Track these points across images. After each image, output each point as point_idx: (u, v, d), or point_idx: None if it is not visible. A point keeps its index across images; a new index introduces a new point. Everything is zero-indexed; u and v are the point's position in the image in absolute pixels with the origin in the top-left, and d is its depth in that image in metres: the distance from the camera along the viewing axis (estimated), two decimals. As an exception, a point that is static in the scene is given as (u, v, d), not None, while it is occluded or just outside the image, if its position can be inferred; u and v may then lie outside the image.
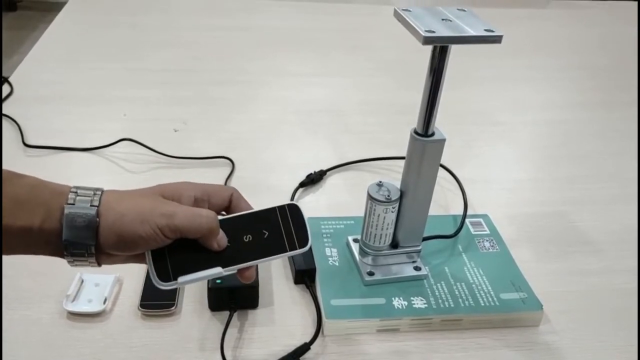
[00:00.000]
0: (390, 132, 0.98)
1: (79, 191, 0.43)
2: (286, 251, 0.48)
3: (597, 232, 0.78)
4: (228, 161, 0.88)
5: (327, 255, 0.68)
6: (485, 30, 0.51)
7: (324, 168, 0.87)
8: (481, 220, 0.76)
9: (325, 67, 1.25)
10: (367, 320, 0.61)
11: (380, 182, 0.62)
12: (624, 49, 1.44)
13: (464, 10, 0.55)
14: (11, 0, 3.40)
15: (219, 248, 0.46)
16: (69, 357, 0.56)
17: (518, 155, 0.97)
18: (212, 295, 0.61)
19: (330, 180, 0.86)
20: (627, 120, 1.09)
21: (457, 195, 0.82)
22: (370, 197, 0.61)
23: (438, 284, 0.65)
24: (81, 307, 0.61)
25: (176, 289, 0.63)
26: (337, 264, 0.68)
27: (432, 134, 0.57)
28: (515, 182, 0.89)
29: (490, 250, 0.71)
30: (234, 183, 0.83)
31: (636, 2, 1.72)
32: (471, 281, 0.66)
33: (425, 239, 0.67)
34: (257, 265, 0.49)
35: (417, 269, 0.66)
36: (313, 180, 0.84)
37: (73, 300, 0.61)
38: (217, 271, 0.46)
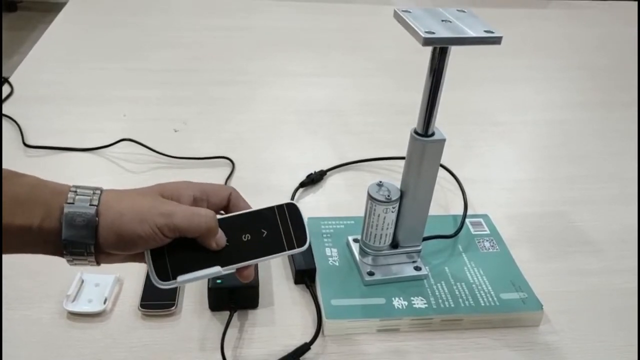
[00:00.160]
0: (390, 132, 0.98)
1: (78, 190, 0.43)
2: (285, 250, 0.49)
3: (597, 232, 0.78)
4: (228, 161, 0.88)
5: (327, 255, 0.68)
6: (485, 31, 0.51)
7: (324, 168, 0.87)
8: (481, 220, 0.76)
9: (325, 67, 1.25)
10: (367, 320, 0.61)
11: (381, 182, 0.62)
12: (624, 49, 1.44)
13: (464, 12, 0.55)
14: (11, 1, 3.40)
15: (217, 247, 0.47)
16: (69, 357, 0.56)
17: (518, 155, 0.97)
18: (212, 295, 0.61)
19: (331, 180, 0.86)
20: (627, 120, 1.09)
21: (457, 195, 0.82)
22: (370, 197, 0.61)
23: (438, 284, 0.65)
24: (81, 307, 0.61)
25: (176, 288, 0.63)
26: (337, 264, 0.68)
27: (432, 134, 0.58)
28: (515, 182, 0.89)
29: (491, 250, 0.71)
30: (234, 183, 0.83)
31: (636, 2, 1.72)
32: (471, 281, 0.66)
33: (425, 239, 0.67)
34: (256, 265, 0.49)
35: (417, 269, 0.66)
36: (313, 180, 0.84)
37: (73, 300, 0.61)
38: (216, 270, 0.46)
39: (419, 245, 0.66)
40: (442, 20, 0.52)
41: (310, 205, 0.80)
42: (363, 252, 0.66)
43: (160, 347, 0.58)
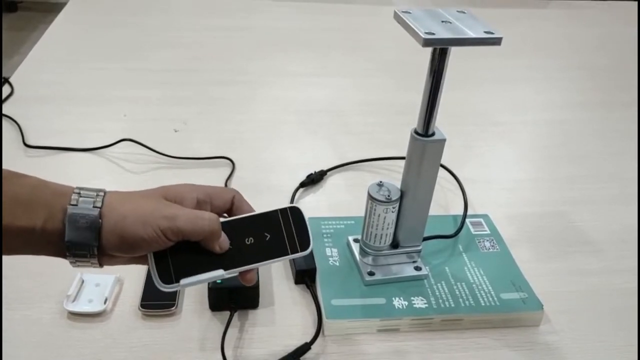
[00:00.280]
0: (390, 132, 0.98)
1: (81, 192, 0.43)
2: (288, 254, 0.48)
3: (597, 232, 0.78)
4: (228, 161, 0.88)
5: (328, 255, 0.69)
6: (485, 32, 0.51)
7: (324, 168, 0.87)
8: (481, 220, 0.76)
9: (325, 67, 1.25)
10: (367, 320, 0.61)
11: (381, 182, 0.62)
12: (624, 49, 1.44)
13: (464, 12, 0.55)
14: (12, 1, 3.40)
15: (220, 250, 0.47)
16: (69, 357, 0.56)
17: (518, 155, 0.98)
18: (212, 295, 0.61)
19: (331, 181, 0.86)
20: (627, 120, 1.09)
21: (458, 195, 0.82)
22: (370, 197, 0.61)
23: (438, 284, 0.65)
24: (82, 307, 0.61)
25: (177, 289, 0.63)
26: (337, 264, 0.68)
27: (433, 134, 0.58)
28: (515, 182, 0.89)
29: (491, 250, 0.71)
30: (234, 183, 0.83)
31: (636, 2, 1.72)
32: (471, 281, 0.66)
33: (425, 239, 0.67)
34: (258, 268, 0.49)
35: (417, 268, 0.66)
36: (313, 180, 0.84)
37: (73, 300, 0.61)
38: (219, 273, 0.46)
39: (419, 245, 0.66)
40: (442, 21, 0.52)
41: (311, 205, 0.80)
42: (363, 252, 0.66)
43: (160, 347, 0.58)
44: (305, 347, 0.58)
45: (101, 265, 0.44)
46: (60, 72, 1.13)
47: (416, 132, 0.58)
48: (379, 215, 0.61)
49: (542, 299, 0.64)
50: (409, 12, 0.53)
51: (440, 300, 0.63)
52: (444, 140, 0.58)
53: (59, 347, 0.57)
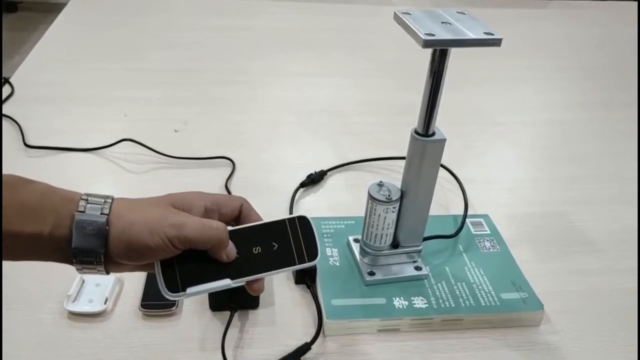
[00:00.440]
0: (390, 132, 0.98)
1: (89, 199, 0.43)
2: (295, 264, 0.48)
3: (597, 232, 0.78)
4: (228, 161, 0.88)
5: (328, 255, 0.69)
6: (485, 33, 0.51)
7: (325, 168, 0.87)
8: (482, 220, 0.76)
9: (325, 67, 1.25)
10: (367, 320, 0.61)
11: (381, 182, 0.62)
12: (624, 49, 1.44)
13: (464, 13, 0.55)
14: (12, 1, 3.40)
15: (228, 259, 0.46)
16: (69, 357, 0.56)
17: (518, 155, 0.98)
18: (212, 295, 0.61)
19: (331, 181, 0.86)
20: (627, 120, 1.09)
21: (458, 195, 0.82)
22: (370, 197, 0.61)
23: (439, 284, 0.65)
24: (82, 307, 0.61)
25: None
26: (337, 264, 0.68)
27: (433, 134, 0.58)
28: (515, 182, 0.89)
29: (491, 250, 0.71)
30: (234, 183, 0.83)
31: (636, 2, 1.72)
32: (472, 281, 0.66)
33: (425, 238, 0.67)
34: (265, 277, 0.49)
35: (417, 268, 0.66)
36: (313, 180, 0.84)
37: (74, 300, 0.61)
38: (225, 283, 0.46)
39: (419, 245, 0.66)
40: (442, 22, 0.52)
41: (311, 206, 0.80)
42: (363, 252, 0.66)
43: (160, 347, 0.58)
44: (305, 347, 0.58)
45: (107, 272, 0.44)
46: (61, 73, 1.13)
47: (416, 132, 0.58)
48: (379, 215, 0.61)
49: (543, 299, 0.64)
50: (409, 13, 0.53)
51: (441, 300, 0.63)
52: (444, 140, 0.58)
53: (59, 347, 0.57)
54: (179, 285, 0.45)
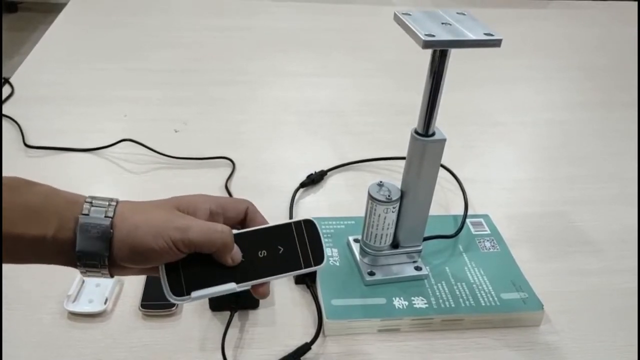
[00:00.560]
0: (390, 132, 0.98)
1: (94, 201, 0.43)
2: (301, 268, 0.48)
3: (597, 232, 0.78)
4: (228, 161, 0.88)
5: (328, 256, 0.68)
6: (485, 34, 0.51)
7: (325, 168, 0.87)
8: (482, 220, 0.76)
9: (325, 67, 1.25)
10: (367, 320, 0.61)
11: (381, 182, 0.62)
12: (624, 49, 1.44)
13: (464, 14, 0.55)
14: (12, 2, 3.40)
15: (233, 263, 0.46)
16: (69, 358, 0.56)
17: (518, 155, 0.98)
18: (205, 298, 0.61)
19: (331, 181, 0.86)
20: (626, 121, 1.09)
21: (458, 195, 0.82)
22: (370, 197, 0.61)
23: (439, 284, 0.65)
24: (82, 307, 0.61)
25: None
26: (337, 264, 0.68)
27: (433, 134, 0.58)
28: (515, 182, 0.89)
29: (491, 250, 0.71)
30: (234, 183, 0.84)
31: (636, 2, 1.72)
32: (472, 281, 0.66)
33: (425, 239, 0.67)
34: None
35: (417, 269, 0.66)
36: (313, 180, 0.84)
37: (74, 300, 0.61)
38: (230, 287, 0.46)
39: (419, 245, 0.66)
40: (442, 23, 0.52)
41: (311, 206, 0.80)
42: (363, 252, 0.66)
43: (160, 347, 0.58)
44: (305, 347, 0.58)
45: (112, 275, 0.44)
46: (61, 73, 1.13)
47: (416, 132, 0.58)
48: (379, 216, 0.61)
49: (543, 299, 0.64)
50: (409, 14, 0.53)
51: (441, 300, 0.63)
52: (444, 140, 0.58)
53: (59, 347, 0.57)
54: (183, 289, 0.45)
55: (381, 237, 0.64)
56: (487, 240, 0.73)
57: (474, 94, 1.16)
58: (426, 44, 0.49)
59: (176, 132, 0.96)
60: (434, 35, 0.49)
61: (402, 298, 0.63)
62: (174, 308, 0.61)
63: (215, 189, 0.81)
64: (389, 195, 0.60)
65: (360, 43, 1.38)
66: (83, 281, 0.63)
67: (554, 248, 0.75)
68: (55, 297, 0.62)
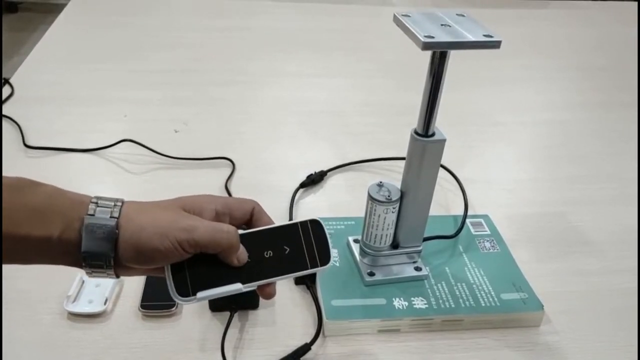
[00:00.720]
0: (390, 133, 0.98)
1: (99, 202, 0.42)
2: (307, 268, 0.47)
3: (597, 233, 0.78)
4: (228, 162, 0.88)
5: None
6: (484, 35, 0.51)
7: (325, 169, 0.87)
8: (482, 220, 0.76)
9: (325, 68, 1.25)
10: (367, 320, 0.61)
11: (381, 182, 0.62)
12: (623, 49, 1.44)
13: (463, 16, 0.55)
14: (12, 2, 3.40)
15: (239, 264, 0.46)
16: (69, 358, 0.56)
17: (518, 155, 0.98)
18: (210, 299, 0.61)
19: (331, 181, 0.86)
20: (626, 121, 1.09)
21: (458, 195, 0.82)
22: (370, 198, 0.61)
23: (439, 285, 0.65)
24: (82, 307, 0.61)
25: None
26: (337, 264, 0.68)
27: (433, 134, 0.58)
28: (515, 182, 0.89)
29: (491, 250, 0.71)
30: (234, 184, 0.84)
31: (636, 2, 1.72)
32: (472, 281, 0.66)
33: (425, 239, 0.67)
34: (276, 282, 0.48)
35: (417, 269, 0.66)
36: (313, 180, 0.84)
37: (74, 300, 0.61)
38: (236, 287, 0.45)
39: (419, 246, 0.66)
40: (442, 25, 0.52)
41: (311, 206, 0.80)
42: (363, 253, 0.66)
43: (160, 347, 0.58)
44: (305, 348, 0.58)
45: (117, 276, 0.44)
46: (61, 73, 1.13)
47: (416, 133, 0.58)
48: (379, 216, 0.61)
49: (543, 300, 0.64)
50: (409, 16, 0.53)
51: (441, 301, 0.63)
52: (444, 140, 0.58)
53: (59, 348, 0.57)
54: (189, 289, 0.44)
55: (381, 238, 0.64)
56: (487, 241, 0.73)
57: (474, 94, 1.16)
58: (425, 46, 0.49)
59: (176, 132, 0.96)
60: (433, 37, 0.49)
61: (402, 298, 0.63)
62: (173, 308, 0.61)
63: (215, 190, 0.81)
64: (388, 196, 0.60)
65: (360, 43, 1.38)
66: (83, 281, 0.63)
67: (554, 248, 0.75)
68: (55, 298, 0.62)
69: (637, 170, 0.93)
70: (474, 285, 0.66)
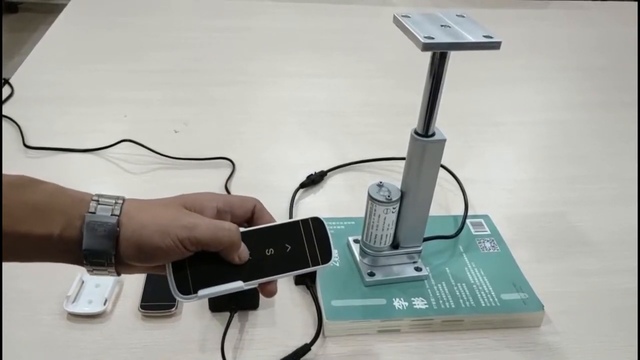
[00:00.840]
0: (390, 133, 0.98)
1: (100, 199, 0.42)
2: (309, 266, 0.47)
3: (597, 233, 0.78)
4: (228, 162, 0.88)
5: (328, 256, 0.68)
6: (484, 36, 0.51)
7: (325, 169, 0.87)
8: (482, 220, 0.76)
9: (325, 68, 1.25)
10: (367, 321, 0.61)
11: (381, 182, 0.62)
12: (623, 50, 1.44)
13: (463, 17, 0.55)
14: (12, 2, 3.40)
15: (240, 261, 0.46)
16: (69, 358, 0.56)
17: (518, 155, 0.97)
18: (212, 297, 0.61)
19: (331, 181, 0.86)
20: (626, 121, 1.09)
21: (458, 195, 0.82)
22: (370, 198, 0.61)
23: (439, 285, 0.65)
24: (81, 308, 0.61)
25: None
26: (337, 264, 0.68)
27: (433, 134, 0.58)
28: (515, 182, 0.89)
29: (491, 250, 0.71)
30: (234, 184, 0.83)
31: (636, 2, 1.72)
32: (472, 282, 0.66)
33: (425, 239, 0.67)
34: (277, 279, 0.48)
35: (417, 269, 0.66)
36: (313, 181, 0.84)
37: (73, 301, 0.61)
38: (238, 285, 0.45)
39: (419, 246, 0.66)
40: (442, 26, 0.52)
41: (311, 206, 0.80)
42: (363, 253, 0.66)
43: (160, 348, 0.58)
44: (305, 348, 0.58)
45: (118, 273, 0.44)
46: (61, 73, 1.13)
47: (416, 133, 0.58)
48: (379, 216, 0.61)
49: (543, 300, 0.64)
50: (409, 17, 0.53)
51: (441, 301, 0.63)
52: (444, 140, 0.58)
53: (59, 348, 0.57)
54: (190, 287, 0.44)
55: (381, 238, 0.64)
56: (487, 241, 0.73)
57: (474, 94, 1.16)
58: (425, 47, 0.49)
59: (176, 132, 0.96)
60: (433, 38, 0.49)
61: (402, 299, 0.63)
62: (173, 309, 0.61)
63: (215, 190, 0.81)
64: (388, 196, 0.60)
65: (360, 44, 1.38)
66: (82, 282, 0.63)
67: (554, 248, 0.75)
68: (54, 298, 0.62)
69: (637, 170, 0.93)
70: (474, 286, 0.66)
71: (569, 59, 1.37)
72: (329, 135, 0.98)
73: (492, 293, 0.65)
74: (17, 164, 0.83)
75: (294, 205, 0.79)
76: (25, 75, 1.11)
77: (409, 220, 0.63)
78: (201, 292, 0.45)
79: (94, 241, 0.41)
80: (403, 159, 0.60)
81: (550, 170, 0.93)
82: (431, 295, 0.64)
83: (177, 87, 1.11)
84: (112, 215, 0.42)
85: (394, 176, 0.87)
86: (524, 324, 0.63)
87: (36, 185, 0.43)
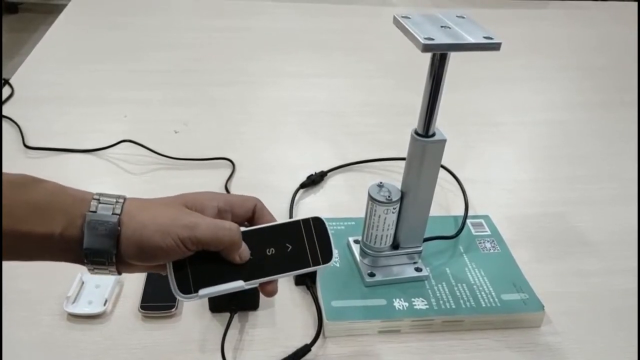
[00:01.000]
0: (390, 133, 0.98)
1: (101, 198, 0.42)
2: (309, 266, 0.47)
3: (597, 233, 0.78)
4: (228, 162, 0.88)
5: (328, 256, 0.68)
6: (484, 37, 0.51)
7: (325, 169, 0.87)
8: (482, 220, 0.76)
9: (325, 68, 1.25)
10: (368, 321, 0.61)
11: (381, 183, 0.62)
12: (623, 50, 1.44)
13: (463, 17, 0.55)
14: (12, 2, 3.40)
15: (241, 261, 0.46)
16: (69, 359, 0.56)
17: (518, 155, 0.97)
18: (212, 296, 0.61)
19: (331, 181, 0.86)
20: (626, 121, 1.09)
21: (458, 195, 0.82)
22: (370, 198, 0.61)
23: (439, 285, 0.65)
24: (81, 308, 0.61)
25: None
26: (337, 265, 0.68)
27: (433, 135, 0.58)
28: (515, 182, 0.89)
29: (491, 251, 0.71)
30: (234, 184, 0.83)
31: (636, 2, 1.72)
32: (472, 282, 0.66)
33: (426, 239, 0.67)
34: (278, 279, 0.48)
35: (418, 269, 0.66)
36: (314, 181, 0.84)
37: (73, 301, 0.61)
38: (238, 284, 0.45)
39: (419, 246, 0.66)
40: (442, 27, 0.52)
41: (311, 206, 0.80)
42: (364, 253, 0.66)
43: (160, 348, 0.58)
44: (305, 349, 0.58)
45: (119, 273, 0.44)
46: (61, 73, 1.13)
47: (416, 133, 0.58)
48: (379, 216, 0.61)
49: (543, 300, 0.64)
50: (409, 17, 0.53)
51: (441, 302, 0.63)
52: (445, 140, 0.58)
53: (59, 349, 0.57)
54: (191, 286, 0.44)
55: (381, 238, 0.63)
56: (488, 241, 0.73)
57: (474, 94, 1.16)
58: (425, 48, 0.49)
59: (176, 132, 0.96)
60: (433, 39, 0.49)
61: (402, 299, 0.63)
62: (173, 309, 0.61)
63: (215, 190, 0.80)
64: (389, 196, 0.60)
65: (360, 44, 1.38)
66: (82, 282, 0.63)
67: (554, 249, 0.75)
68: (54, 298, 0.62)
69: (637, 170, 0.93)
70: (475, 286, 0.65)
71: (569, 59, 1.37)
72: (329, 135, 0.98)
73: (493, 293, 0.65)
74: (17, 164, 0.83)
75: (294, 206, 0.79)
76: (25, 76, 1.11)
77: (409, 221, 0.63)
78: (202, 292, 0.45)
79: (94, 240, 0.41)
80: (403, 159, 0.60)
81: (550, 170, 0.93)
82: (431, 295, 0.64)
83: (177, 87, 1.11)
84: (113, 214, 0.42)
85: (394, 176, 0.87)
86: (524, 325, 0.63)
87: (37, 184, 0.43)
